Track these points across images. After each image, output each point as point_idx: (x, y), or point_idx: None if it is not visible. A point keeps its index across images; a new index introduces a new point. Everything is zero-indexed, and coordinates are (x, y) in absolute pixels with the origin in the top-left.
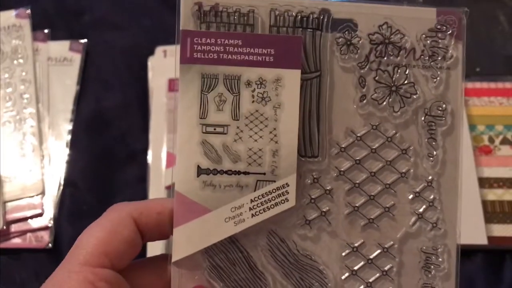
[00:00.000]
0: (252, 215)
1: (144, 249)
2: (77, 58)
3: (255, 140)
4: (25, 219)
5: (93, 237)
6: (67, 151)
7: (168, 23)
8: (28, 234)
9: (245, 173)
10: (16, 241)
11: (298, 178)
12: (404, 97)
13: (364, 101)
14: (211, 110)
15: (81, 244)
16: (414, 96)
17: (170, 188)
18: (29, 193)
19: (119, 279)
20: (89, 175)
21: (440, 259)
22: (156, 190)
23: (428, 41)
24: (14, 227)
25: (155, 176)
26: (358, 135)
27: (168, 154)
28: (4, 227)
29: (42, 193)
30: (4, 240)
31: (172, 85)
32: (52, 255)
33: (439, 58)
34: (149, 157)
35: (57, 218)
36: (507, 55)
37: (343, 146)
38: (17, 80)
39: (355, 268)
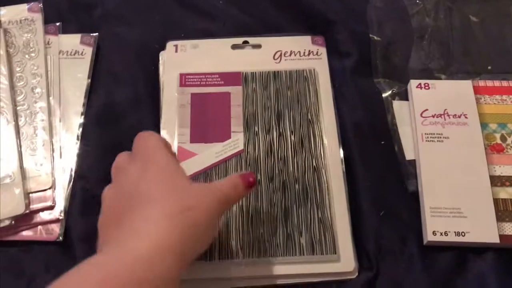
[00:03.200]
0: None
1: None
2: (88, 51)
3: None
4: (36, 211)
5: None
6: (78, 144)
7: (179, 18)
8: (39, 227)
9: None
10: (26, 234)
11: None
12: None
13: None
14: None
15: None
16: None
17: None
18: (40, 187)
19: None
20: (100, 168)
21: None
22: None
23: None
24: (24, 220)
25: None
26: None
27: (180, 148)
28: (27, 211)
29: (53, 186)
30: (14, 232)
31: (183, 80)
32: (62, 247)
33: None
34: None
35: (67, 211)
36: None
37: None
38: (29, 74)
39: None
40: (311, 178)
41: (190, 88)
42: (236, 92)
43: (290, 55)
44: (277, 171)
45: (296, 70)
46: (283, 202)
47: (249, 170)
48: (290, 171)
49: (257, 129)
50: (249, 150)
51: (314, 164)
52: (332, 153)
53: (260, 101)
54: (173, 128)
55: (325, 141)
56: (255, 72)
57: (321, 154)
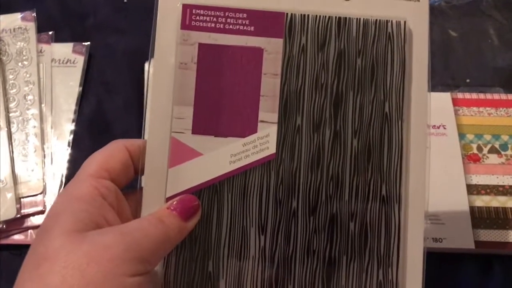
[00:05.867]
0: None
1: None
2: (80, 59)
3: None
4: (27, 216)
5: (96, 159)
6: (69, 150)
7: None
8: (30, 231)
9: None
10: (18, 237)
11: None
12: None
13: None
14: None
15: (87, 164)
16: None
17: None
18: (31, 192)
19: (117, 189)
20: None
21: None
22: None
23: None
24: (16, 224)
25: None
26: None
27: (174, 141)
28: (19, 216)
29: (44, 192)
30: (6, 236)
31: (188, 17)
32: None
33: None
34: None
35: None
36: (496, 67)
37: None
38: (21, 82)
39: None
40: (376, 215)
41: (199, 34)
42: (273, 50)
43: None
44: (324, 197)
45: (376, 20)
46: (327, 249)
47: (281, 189)
48: (345, 199)
49: (300, 122)
50: (284, 156)
51: (384, 192)
52: (415, 177)
53: (310, 70)
54: (166, 106)
55: (408, 155)
56: (308, 16)
57: (396, 176)
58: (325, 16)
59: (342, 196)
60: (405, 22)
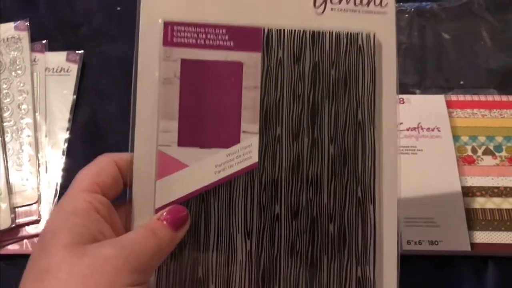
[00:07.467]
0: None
1: None
2: (74, 68)
3: None
4: (22, 225)
5: (88, 173)
6: (63, 159)
7: None
8: (25, 241)
9: None
10: (12, 247)
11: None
12: None
13: None
14: None
15: (79, 179)
16: None
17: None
18: (26, 201)
19: (109, 202)
20: None
21: None
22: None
23: None
24: (10, 234)
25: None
26: None
27: (161, 155)
28: (13, 225)
29: (38, 201)
30: (0, 246)
31: (170, 34)
32: None
33: None
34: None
35: None
36: (489, 69)
37: None
38: (15, 91)
39: None
40: (353, 216)
41: (181, 50)
42: (252, 63)
43: (341, 1)
44: (304, 202)
45: (348, 33)
46: (310, 250)
47: (265, 195)
48: (324, 202)
49: (280, 131)
50: (266, 164)
51: (360, 193)
52: (388, 179)
53: (288, 82)
54: (151, 121)
55: (380, 159)
56: (284, 30)
57: (370, 179)
58: (300, 30)
59: (321, 199)
60: (374, 34)
